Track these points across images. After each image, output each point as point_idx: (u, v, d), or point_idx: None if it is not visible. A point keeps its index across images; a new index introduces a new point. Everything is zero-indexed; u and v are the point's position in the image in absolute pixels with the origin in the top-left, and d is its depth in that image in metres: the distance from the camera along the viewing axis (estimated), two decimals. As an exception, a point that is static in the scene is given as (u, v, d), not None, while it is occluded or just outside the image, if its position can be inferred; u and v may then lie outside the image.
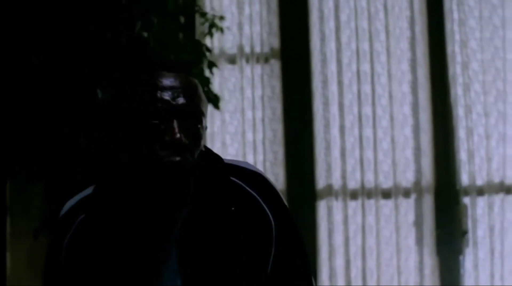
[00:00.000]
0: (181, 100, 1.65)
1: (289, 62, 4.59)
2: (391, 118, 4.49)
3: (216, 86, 4.54)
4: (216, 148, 4.42)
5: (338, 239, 4.46)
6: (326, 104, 4.53)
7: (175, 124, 1.62)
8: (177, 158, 1.62)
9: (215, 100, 3.77)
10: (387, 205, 4.48)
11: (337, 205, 4.49)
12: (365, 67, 4.53)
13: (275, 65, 4.61)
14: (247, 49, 4.61)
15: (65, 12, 3.33)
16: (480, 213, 4.43)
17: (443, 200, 4.48)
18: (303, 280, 1.74)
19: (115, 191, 1.71)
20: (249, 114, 4.57)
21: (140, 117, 1.64)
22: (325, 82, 4.55)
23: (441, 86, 4.51)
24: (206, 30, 4.27)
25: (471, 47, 4.50)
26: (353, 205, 4.49)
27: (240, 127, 4.57)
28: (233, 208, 1.69)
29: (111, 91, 3.23)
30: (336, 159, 4.51)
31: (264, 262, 1.69)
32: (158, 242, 1.66)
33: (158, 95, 1.64)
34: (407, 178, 4.49)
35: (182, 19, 4.09)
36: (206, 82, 3.70)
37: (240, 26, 4.62)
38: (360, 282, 4.42)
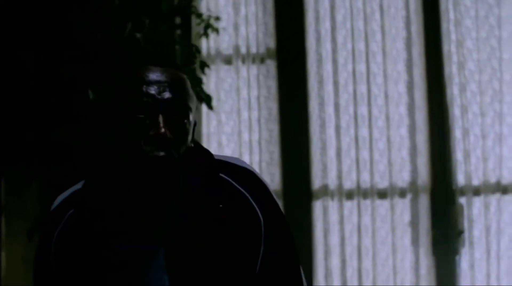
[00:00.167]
0: (167, 95, 1.63)
1: (285, 63, 4.59)
2: (387, 118, 4.48)
3: (212, 86, 4.55)
4: (213, 149, 4.42)
5: (334, 239, 4.45)
6: (321, 104, 4.53)
7: (160, 118, 1.61)
8: (161, 153, 1.61)
9: (207, 100, 3.76)
10: (383, 205, 4.47)
11: (332, 205, 4.48)
12: (361, 67, 4.53)
13: (271, 65, 4.61)
14: (243, 50, 4.61)
15: (57, 12, 3.33)
16: (476, 213, 4.42)
17: (439, 200, 4.47)
18: (292, 280, 1.72)
19: (104, 186, 1.70)
20: (245, 114, 4.56)
21: (126, 111, 1.64)
22: (320, 82, 4.55)
23: (437, 86, 4.51)
24: (202, 31, 4.28)
25: (467, 47, 4.49)
26: (349, 205, 4.48)
27: (236, 128, 4.57)
28: (221, 206, 1.68)
29: (102, 91, 3.23)
30: (331, 159, 4.50)
31: (253, 261, 1.67)
32: (145, 237, 1.65)
33: (144, 89, 1.64)
34: (403, 178, 4.48)
35: (178, 20, 4.10)
36: (199, 82, 3.70)
37: (236, 27, 4.62)
38: (355, 282, 4.41)
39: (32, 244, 3.57)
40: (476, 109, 4.46)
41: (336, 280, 4.42)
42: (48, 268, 1.70)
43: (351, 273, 4.43)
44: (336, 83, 4.53)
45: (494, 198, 4.41)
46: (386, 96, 4.50)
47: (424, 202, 4.46)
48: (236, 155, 4.39)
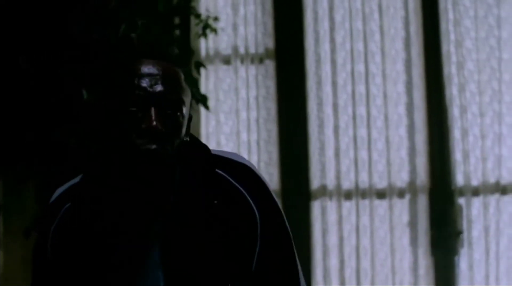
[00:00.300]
0: (159, 87, 1.62)
1: (283, 63, 4.59)
2: (386, 118, 4.48)
3: (211, 86, 4.55)
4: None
5: (332, 239, 4.44)
6: (320, 104, 4.53)
7: (153, 111, 1.60)
8: (153, 146, 1.59)
9: (203, 100, 3.76)
10: (381, 205, 4.46)
11: (331, 205, 4.47)
12: (360, 67, 4.52)
13: (270, 65, 4.60)
14: (241, 50, 4.61)
15: (53, 13, 3.33)
16: (475, 213, 4.41)
17: (438, 201, 4.46)
18: (289, 277, 1.70)
19: (100, 181, 1.70)
20: (243, 114, 4.56)
21: (118, 104, 1.63)
22: (319, 82, 4.54)
23: (436, 86, 4.50)
24: (200, 31, 4.28)
25: (466, 47, 4.49)
26: (348, 205, 4.48)
27: (234, 128, 4.57)
28: (215, 202, 1.66)
29: (96, 89, 3.23)
30: (330, 159, 4.50)
31: (248, 258, 1.65)
32: (141, 233, 1.64)
33: (136, 82, 1.62)
34: (401, 178, 4.47)
35: (176, 21, 4.10)
36: (194, 82, 3.70)
37: (234, 27, 4.62)
38: (354, 282, 4.40)
39: (30, 243, 3.56)
40: (475, 109, 4.45)
41: (335, 280, 4.41)
42: (45, 261, 1.70)
43: (350, 273, 4.43)
44: (334, 83, 4.53)
45: (493, 199, 4.40)
46: (385, 96, 4.49)
47: (423, 202, 4.45)
48: (234, 155, 4.39)
